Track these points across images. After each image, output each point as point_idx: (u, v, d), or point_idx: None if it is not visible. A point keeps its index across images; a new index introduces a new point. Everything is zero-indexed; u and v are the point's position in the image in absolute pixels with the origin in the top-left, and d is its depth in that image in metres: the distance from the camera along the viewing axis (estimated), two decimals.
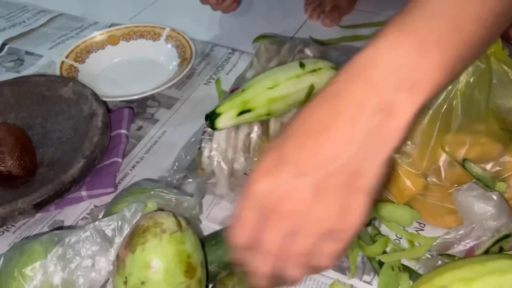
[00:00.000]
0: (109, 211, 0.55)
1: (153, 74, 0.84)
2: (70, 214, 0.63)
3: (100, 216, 0.57)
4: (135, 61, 0.88)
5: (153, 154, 0.71)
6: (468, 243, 0.51)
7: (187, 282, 0.43)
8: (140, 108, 0.79)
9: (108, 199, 0.60)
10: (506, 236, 0.50)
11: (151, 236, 0.43)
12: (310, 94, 0.60)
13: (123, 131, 0.69)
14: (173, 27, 0.89)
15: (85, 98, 0.68)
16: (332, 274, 0.54)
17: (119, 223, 0.46)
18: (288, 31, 0.95)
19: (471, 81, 0.53)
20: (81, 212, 0.63)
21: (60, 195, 0.57)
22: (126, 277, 0.42)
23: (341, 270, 0.55)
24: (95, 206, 0.63)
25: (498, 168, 0.53)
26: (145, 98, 0.80)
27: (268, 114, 0.57)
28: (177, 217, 0.45)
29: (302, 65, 0.59)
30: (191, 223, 0.47)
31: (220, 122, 0.54)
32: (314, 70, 0.59)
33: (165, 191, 0.54)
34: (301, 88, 0.58)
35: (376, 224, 0.59)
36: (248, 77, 0.68)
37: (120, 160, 0.66)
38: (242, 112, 0.55)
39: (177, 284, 0.42)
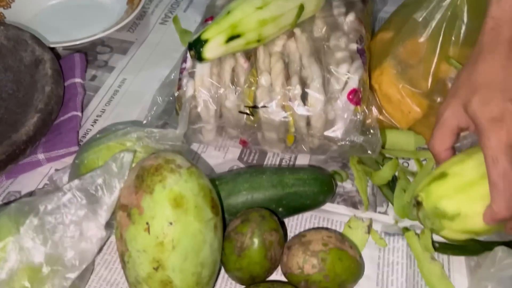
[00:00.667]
0: (79, 161, 0.44)
1: (99, 17, 0.72)
2: (27, 182, 0.52)
3: (65, 179, 0.47)
4: (75, 3, 0.74)
5: (115, 105, 0.61)
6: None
7: (215, 219, 0.38)
8: (89, 56, 0.67)
9: (71, 160, 0.50)
10: None
11: (169, 172, 0.36)
12: (300, 15, 0.52)
13: (78, 80, 0.58)
14: None
15: (24, 44, 0.56)
16: (345, 210, 0.50)
17: (106, 178, 0.37)
18: None
19: None
20: (40, 180, 0.52)
21: (13, 158, 0.46)
22: (147, 223, 0.34)
23: (353, 204, 0.50)
24: (57, 170, 0.53)
25: None
26: (94, 44, 0.68)
27: (258, 41, 0.49)
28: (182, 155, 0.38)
29: None
30: None
31: (208, 50, 0.46)
32: None
33: (141, 126, 0.46)
34: (291, 9, 0.51)
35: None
36: (220, 4, 0.59)
37: (79, 113, 0.56)
38: (230, 38, 0.47)
39: (206, 221, 0.37)
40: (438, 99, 0.52)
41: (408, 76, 0.53)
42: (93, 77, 0.64)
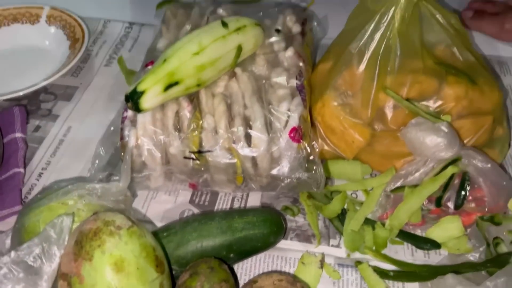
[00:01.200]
0: (19, 225, 0.43)
1: (41, 64, 0.71)
2: None
3: (8, 243, 0.45)
4: (14, 51, 0.73)
5: (61, 156, 0.59)
6: (422, 173, 0.50)
7: (160, 278, 0.37)
8: (32, 105, 0.65)
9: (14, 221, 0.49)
10: (455, 160, 0.49)
11: (107, 236, 0.35)
12: (239, 56, 0.53)
13: (19, 135, 0.56)
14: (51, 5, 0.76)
15: None
16: (298, 246, 0.50)
17: (45, 247, 0.36)
18: None
19: (406, 16, 0.50)
20: None
21: None
22: None
23: (306, 239, 0.51)
24: (0, 232, 0.51)
25: (440, 102, 0.52)
26: (36, 93, 0.67)
27: (198, 85, 0.50)
28: (124, 212, 0.37)
29: (225, 24, 0.52)
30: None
31: (146, 101, 0.45)
32: (239, 29, 0.53)
33: (83, 182, 0.45)
34: (228, 50, 0.52)
35: (329, 184, 0.56)
36: (161, 47, 0.59)
37: (22, 170, 0.54)
38: (168, 87, 0.47)
39: (151, 281, 0.36)
40: (379, 128, 0.54)
41: (348, 107, 0.54)
42: (37, 128, 0.62)
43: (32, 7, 0.76)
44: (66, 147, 0.60)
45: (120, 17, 0.81)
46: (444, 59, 0.55)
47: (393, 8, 0.51)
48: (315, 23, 0.70)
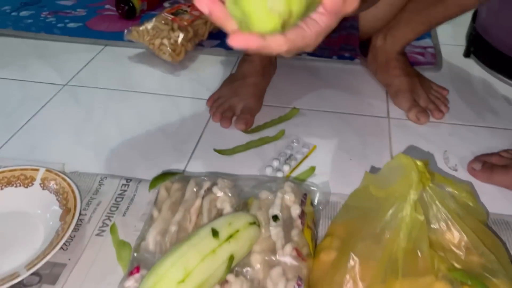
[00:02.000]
0: None
1: (30, 236, 0.67)
2: None
3: None
4: (4, 218, 0.70)
5: None
6: None
7: None
8: None
9: None
10: None
11: None
12: (230, 266, 0.49)
13: None
14: (47, 160, 0.74)
15: None
16: None
17: None
18: (185, 143, 0.85)
19: (413, 235, 0.46)
20: None
21: None
22: None
23: None
24: None
25: None
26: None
27: None
28: None
29: (215, 233, 0.48)
30: None
31: None
32: (231, 236, 0.49)
33: None
34: (219, 265, 0.47)
35: None
36: (149, 241, 0.55)
37: None
38: None
39: None
40: None
41: None
42: None
43: (28, 169, 0.74)
44: None
45: (118, 172, 0.79)
46: (456, 253, 0.51)
47: (398, 220, 0.47)
48: (316, 191, 0.67)
